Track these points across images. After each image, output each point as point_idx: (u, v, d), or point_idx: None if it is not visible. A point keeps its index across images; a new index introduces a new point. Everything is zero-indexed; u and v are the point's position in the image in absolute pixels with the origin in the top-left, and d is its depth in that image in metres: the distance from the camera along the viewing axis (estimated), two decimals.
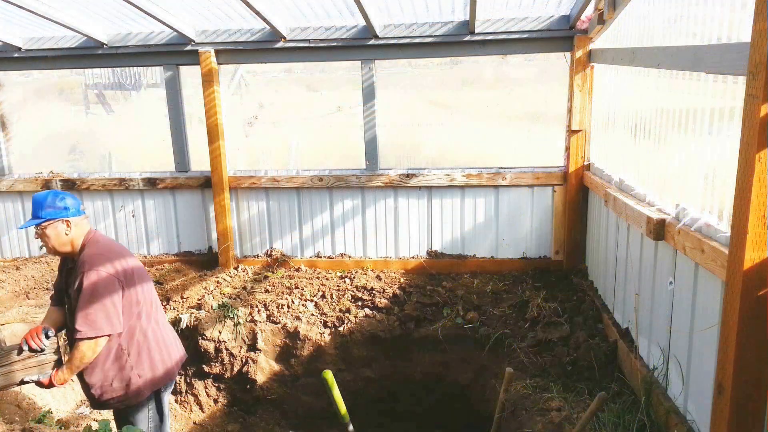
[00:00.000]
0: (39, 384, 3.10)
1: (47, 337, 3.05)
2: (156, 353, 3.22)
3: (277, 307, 5.06)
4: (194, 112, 5.88)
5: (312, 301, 5.19)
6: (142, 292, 3.17)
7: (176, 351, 3.41)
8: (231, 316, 4.93)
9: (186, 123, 5.86)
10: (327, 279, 5.55)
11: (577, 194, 5.26)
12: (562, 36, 5.05)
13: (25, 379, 3.09)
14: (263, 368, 4.91)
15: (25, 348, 3.01)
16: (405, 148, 6.12)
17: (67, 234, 3.08)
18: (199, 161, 5.93)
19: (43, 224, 3.04)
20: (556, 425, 3.45)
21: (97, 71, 7.99)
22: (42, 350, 3.05)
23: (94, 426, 3.71)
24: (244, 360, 4.89)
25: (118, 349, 3.09)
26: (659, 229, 3.13)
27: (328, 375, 3.86)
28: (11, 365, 3.08)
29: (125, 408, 3.20)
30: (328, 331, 4.91)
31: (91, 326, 2.94)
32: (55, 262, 6.02)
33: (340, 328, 4.90)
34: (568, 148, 5.26)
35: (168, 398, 3.42)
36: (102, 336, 2.97)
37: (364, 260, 5.80)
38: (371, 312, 5.01)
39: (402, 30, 5.16)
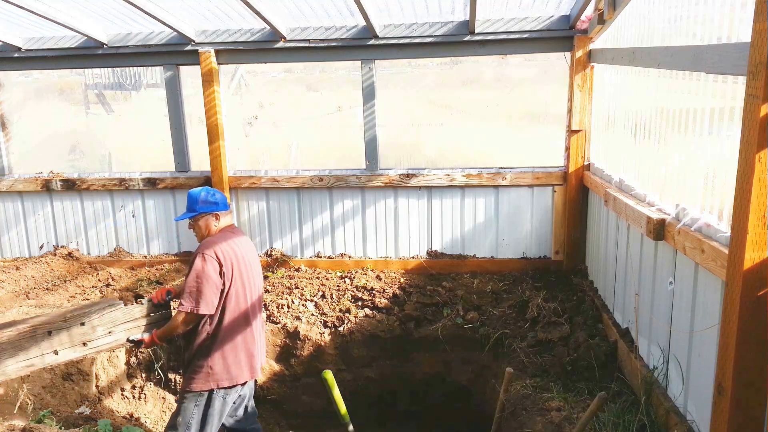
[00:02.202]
0: (139, 342, 3.43)
1: (169, 297, 3.54)
2: (230, 353, 3.30)
3: (277, 307, 5.06)
4: (194, 112, 5.88)
5: (312, 301, 5.19)
6: (239, 289, 3.33)
7: (251, 362, 3.43)
8: None
9: (186, 123, 5.86)
10: (327, 279, 5.55)
11: (577, 194, 5.26)
12: (562, 36, 5.05)
13: (130, 338, 3.41)
14: (263, 368, 4.91)
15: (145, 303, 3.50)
16: (405, 148, 6.11)
17: (216, 226, 3.47)
18: (199, 161, 5.93)
19: (196, 216, 3.47)
20: (556, 425, 3.45)
21: (97, 71, 7.98)
22: (162, 306, 3.55)
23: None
24: None
25: (207, 331, 3.30)
26: (659, 229, 3.13)
27: (328, 375, 3.87)
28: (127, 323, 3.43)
29: (183, 390, 3.44)
30: (328, 331, 4.91)
31: (188, 301, 3.20)
32: (55, 262, 6.03)
33: (340, 328, 4.90)
34: (568, 148, 5.26)
35: (222, 408, 3.39)
36: (194, 312, 3.20)
37: (364, 260, 5.80)
38: (371, 312, 5.02)
39: (402, 30, 5.16)
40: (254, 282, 3.51)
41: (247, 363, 3.42)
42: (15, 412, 3.89)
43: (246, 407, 3.65)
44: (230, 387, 3.36)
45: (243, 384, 3.43)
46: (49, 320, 3.26)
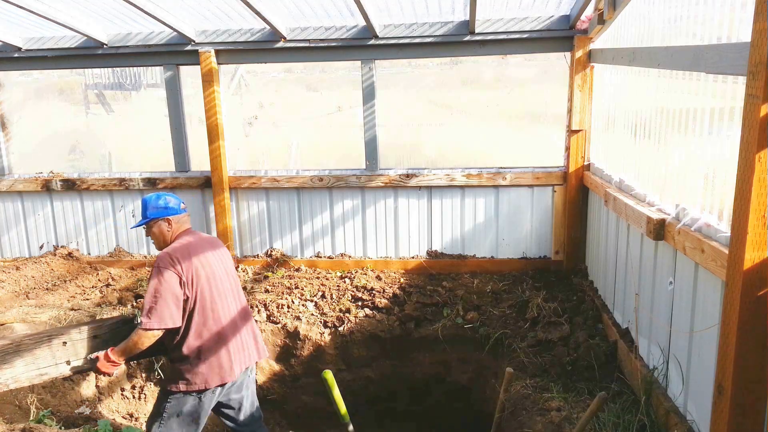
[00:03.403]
0: (93, 363, 3.23)
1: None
2: (203, 357, 3.23)
3: (277, 307, 5.06)
4: (194, 112, 5.88)
5: (312, 301, 5.19)
6: (206, 292, 3.25)
7: (229, 364, 3.30)
8: None
9: (186, 123, 5.86)
10: (327, 279, 5.55)
11: (577, 194, 5.26)
12: (562, 36, 5.05)
13: (90, 357, 3.25)
14: (263, 368, 4.91)
15: None
16: (405, 148, 6.11)
17: (169, 231, 3.38)
18: (199, 161, 5.93)
19: (149, 223, 3.38)
20: (556, 425, 3.45)
21: (97, 71, 7.97)
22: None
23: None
24: None
25: (177, 339, 3.23)
26: (659, 229, 3.13)
27: (328, 375, 3.86)
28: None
29: (161, 388, 3.41)
30: (328, 331, 4.91)
31: (146, 318, 3.11)
32: (55, 262, 6.03)
33: (340, 328, 4.90)
34: (568, 148, 5.26)
35: (196, 409, 3.31)
36: (154, 329, 3.11)
37: (364, 260, 5.80)
38: (371, 312, 5.02)
39: (402, 30, 5.16)
40: (224, 281, 3.40)
41: (223, 365, 3.28)
42: (15, 411, 3.88)
43: (245, 411, 3.57)
44: (204, 390, 3.27)
45: (222, 386, 3.32)
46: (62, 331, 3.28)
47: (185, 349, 3.22)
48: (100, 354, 3.23)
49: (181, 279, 3.15)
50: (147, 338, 3.14)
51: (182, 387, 3.24)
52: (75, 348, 3.24)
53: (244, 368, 3.44)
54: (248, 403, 3.58)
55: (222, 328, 3.32)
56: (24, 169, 6.27)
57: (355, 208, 5.74)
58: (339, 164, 5.88)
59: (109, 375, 3.28)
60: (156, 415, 3.34)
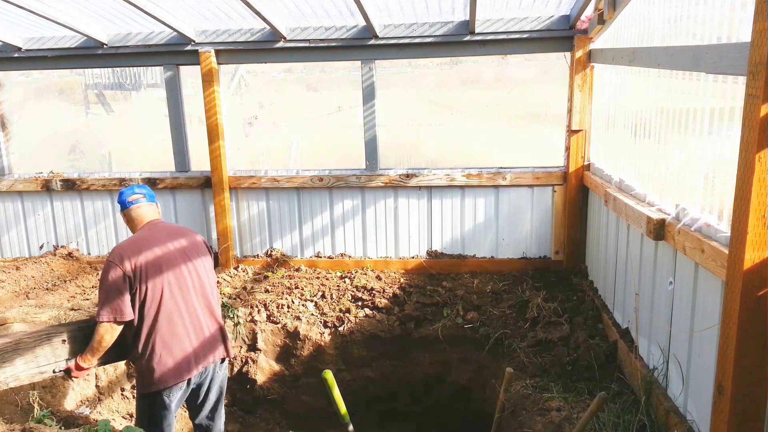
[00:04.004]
0: (67, 371, 3.24)
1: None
2: (161, 355, 3.20)
3: (277, 307, 5.06)
4: (194, 112, 5.88)
5: (312, 301, 5.19)
6: (157, 287, 3.20)
7: (187, 360, 3.27)
8: (231, 316, 4.93)
9: (186, 123, 5.86)
10: (327, 279, 5.55)
11: (577, 194, 5.26)
12: (562, 36, 5.05)
13: (56, 370, 3.23)
14: (263, 368, 4.91)
15: None
16: (405, 148, 6.11)
17: (129, 224, 3.43)
18: (199, 161, 5.93)
19: (123, 216, 3.48)
20: (556, 425, 3.45)
21: (97, 71, 7.98)
22: None
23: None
24: (244, 360, 4.90)
25: (133, 336, 3.22)
26: (659, 229, 3.13)
27: (328, 375, 3.86)
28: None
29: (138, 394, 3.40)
30: (328, 331, 4.91)
31: (101, 312, 3.11)
32: (55, 262, 6.03)
33: (340, 328, 4.90)
34: (568, 148, 5.26)
35: (167, 406, 3.29)
36: (109, 322, 3.11)
37: (364, 260, 5.80)
38: (371, 312, 5.02)
39: (402, 30, 5.16)
40: (185, 275, 3.32)
41: (183, 362, 3.25)
42: (15, 411, 3.88)
43: (207, 406, 3.53)
44: (171, 387, 3.25)
45: (188, 381, 3.31)
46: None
47: (141, 347, 3.20)
48: (71, 364, 3.23)
49: (124, 274, 3.12)
50: (107, 332, 3.14)
51: (151, 388, 3.23)
52: (75, 345, 3.24)
53: (210, 363, 3.41)
54: (213, 397, 3.54)
55: (177, 324, 3.25)
56: (24, 169, 6.27)
57: (355, 208, 5.74)
58: (339, 164, 5.88)
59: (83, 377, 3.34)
60: (138, 421, 3.36)
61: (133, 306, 3.16)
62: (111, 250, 3.25)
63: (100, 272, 3.22)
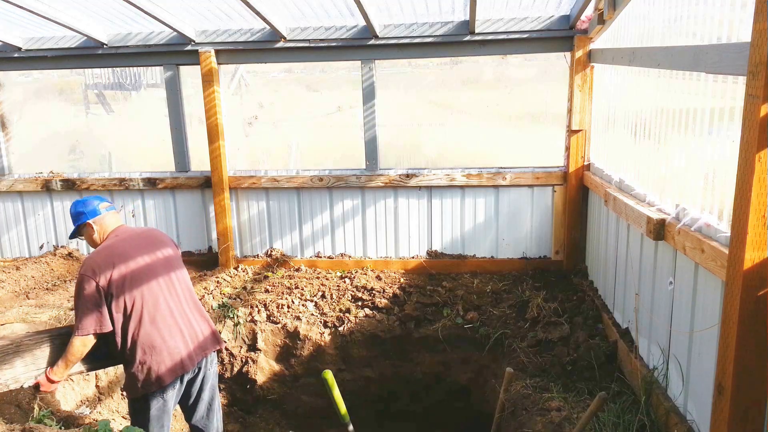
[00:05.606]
0: (36, 389, 3.19)
1: None
2: (149, 358, 3.18)
3: (277, 307, 5.06)
4: (194, 112, 5.88)
5: (312, 301, 5.19)
6: (135, 292, 3.17)
7: (176, 360, 3.25)
8: (231, 316, 4.94)
9: (186, 123, 5.86)
10: (327, 279, 5.55)
11: (577, 194, 5.26)
12: (562, 36, 5.06)
13: (24, 385, 3.16)
14: (263, 368, 4.91)
15: None
16: (405, 148, 6.10)
17: (95, 234, 3.35)
18: (199, 161, 5.93)
19: (80, 231, 3.40)
20: (556, 425, 3.45)
21: (97, 71, 7.96)
22: None
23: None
24: (243, 360, 4.90)
25: (118, 343, 3.19)
26: (659, 229, 3.13)
27: (328, 375, 3.86)
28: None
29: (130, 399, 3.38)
30: (328, 331, 4.91)
31: (78, 325, 3.10)
32: (55, 262, 6.02)
33: (340, 328, 4.90)
34: (568, 148, 5.26)
35: (163, 407, 3.29)
36: (86, 335, 3.09)
37: (364, 260, 5.80)
38: (371, 312, 5.02)
39: (402, 30, 5.16)
40: (160, 276, 3.30)
41: (177, 359, 3.25)
42: (15, 412, 3.88)
43: (201, 404, 3.52)
44: (163, 388, 3.25)
45: (180, 379, 3.31)
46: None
47: (128, 351, 3.18)
48: (40, 379, 3.18)
49: (98, 285, 3.09)
50: (82, 345, 3.12)
51: (140, 391, 3.21)
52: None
53: (200, 359, 3.40)
54: (206, 397, 3.53)
55: (162, 324, 3.24)
56: (24, 169, 6.27)
57: (355, 208, 5.74)
58: (339, 164, 5.88)
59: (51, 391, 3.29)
60: (136, 424, 3.32)
61: (112, 316, 3.13)
62: (83, 262, 3.19)
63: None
